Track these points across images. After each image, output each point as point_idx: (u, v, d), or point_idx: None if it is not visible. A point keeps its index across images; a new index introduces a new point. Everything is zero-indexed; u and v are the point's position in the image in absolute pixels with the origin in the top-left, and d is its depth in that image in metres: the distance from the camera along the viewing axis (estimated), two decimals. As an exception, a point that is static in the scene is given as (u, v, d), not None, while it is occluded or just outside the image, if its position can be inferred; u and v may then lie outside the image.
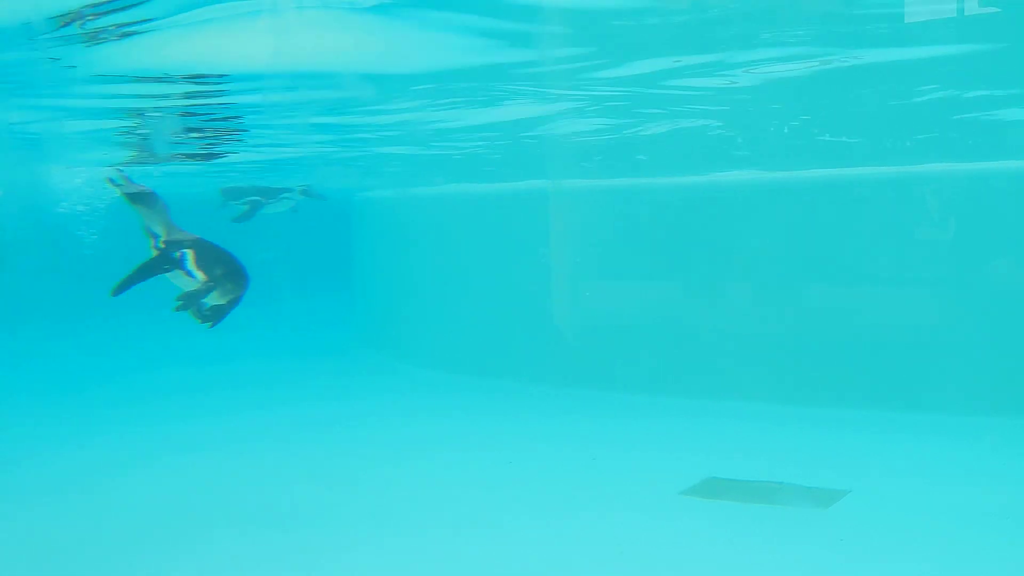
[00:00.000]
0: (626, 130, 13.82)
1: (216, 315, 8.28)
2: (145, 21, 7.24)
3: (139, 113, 11.79)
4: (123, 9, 6.99)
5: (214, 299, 8.24)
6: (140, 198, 9.01)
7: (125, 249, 8.87)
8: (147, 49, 8.07)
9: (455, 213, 16.75)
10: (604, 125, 13.44)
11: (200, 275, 8.29)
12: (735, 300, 13.80)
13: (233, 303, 8.30)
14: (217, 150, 16.10)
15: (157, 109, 11.38)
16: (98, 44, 7.92)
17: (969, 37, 8.36)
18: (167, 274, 8.44)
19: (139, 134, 13.45)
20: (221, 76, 9.70)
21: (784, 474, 9.40)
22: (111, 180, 10.02)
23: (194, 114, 11.93)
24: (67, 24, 7.32)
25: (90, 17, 7.13)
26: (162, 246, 8.53)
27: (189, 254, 8.37)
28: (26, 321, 22.68)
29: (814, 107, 11.92)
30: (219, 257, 8.37)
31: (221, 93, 10.52)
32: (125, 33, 7.59)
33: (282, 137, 14.80)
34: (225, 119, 12.47)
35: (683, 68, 9.52)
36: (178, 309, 8.32)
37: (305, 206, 19.32)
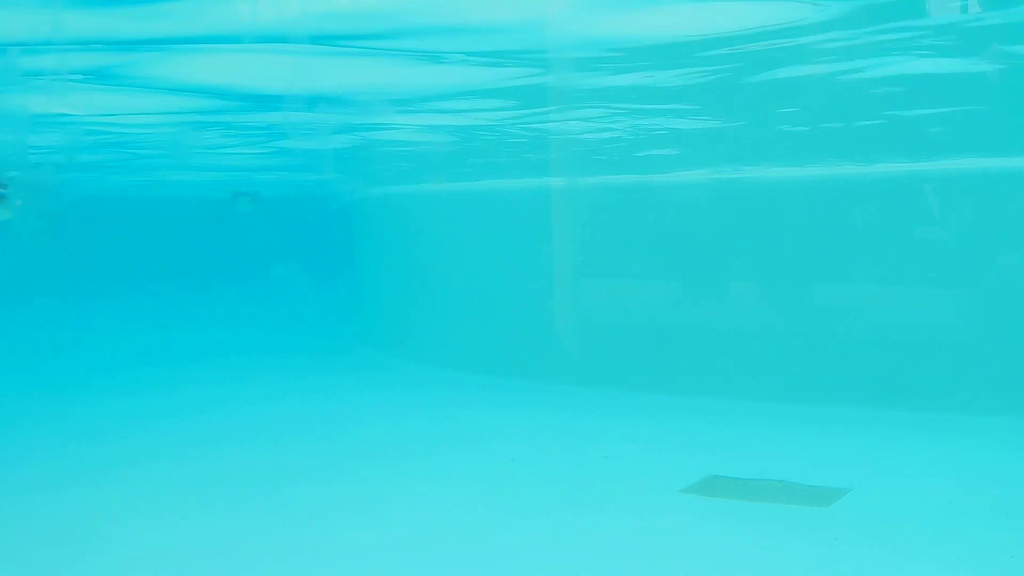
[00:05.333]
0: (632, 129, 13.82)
1: None
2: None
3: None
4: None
5: None
6: None
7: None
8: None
9: (458, 210, 16.75)
10: (607, 125, 13.44)
11: None
12: (737, 299, 13.80)
13: None
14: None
15: None
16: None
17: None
18: None
19: None
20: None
21: (785, 472, 9.39)
22: None
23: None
24: None
25: None
26: None
27: None
28: (28, 314, 22.74)
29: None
30: None
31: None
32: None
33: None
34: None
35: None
36: None
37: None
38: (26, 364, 17.10)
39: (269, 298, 26.49)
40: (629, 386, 13.75)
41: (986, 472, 9.43)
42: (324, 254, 26.85)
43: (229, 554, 7.30)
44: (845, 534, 7.59)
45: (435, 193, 17.76)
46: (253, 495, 8.81)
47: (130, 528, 7.90)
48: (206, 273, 29.41)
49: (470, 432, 11.47)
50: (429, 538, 7.62)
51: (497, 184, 17.47)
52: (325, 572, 6.97)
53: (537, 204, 15.42)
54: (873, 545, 7.34)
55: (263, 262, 29.07)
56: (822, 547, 7.31)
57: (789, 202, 13.41)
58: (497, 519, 8.09)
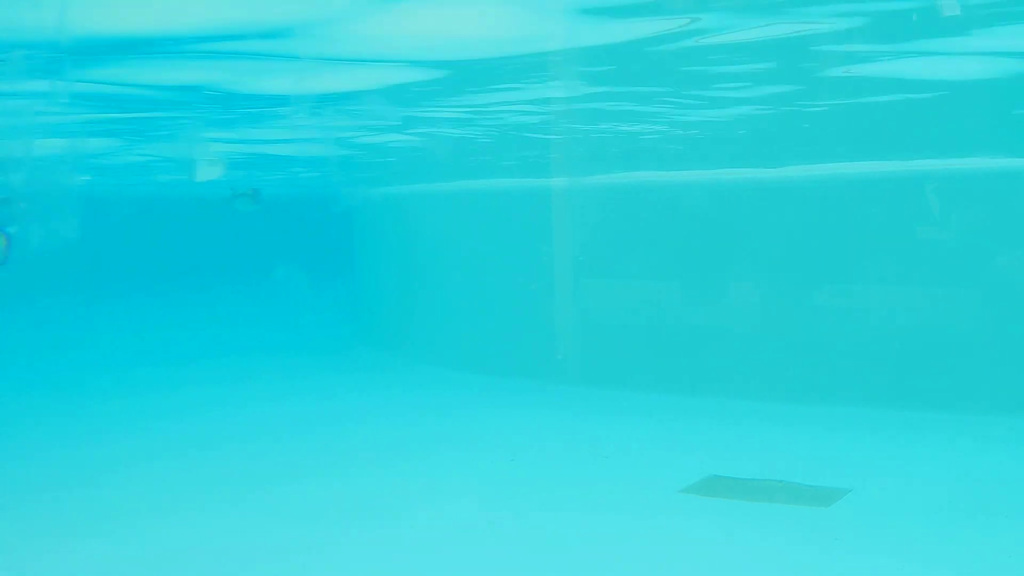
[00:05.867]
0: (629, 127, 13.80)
1: None
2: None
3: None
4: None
5: None
6: None
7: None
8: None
9: (458, 210, 16.76)
10: (608, 123, 13.42)
11: None
12: (738, 299, 13.80)
13: None
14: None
15: None
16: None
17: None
18: None
19: None
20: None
21: (785, 472, 9.40)
22: None
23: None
24: None
25: None
26: None
27: None
28: (27, 313, 22.74)
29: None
30: None
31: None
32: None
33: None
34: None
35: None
36: None
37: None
38: (28, 364, 17.11)
39: (269, 298, 26.50)
40: (629, 386, 13.76)
41: (986, 472, 9.43)
42: (324, 254, 26.87)
43: (230, 554, 7.30)
44: (845, 534, 7.60)
45: (435, 193, 17.77)
46: (254, 495, 8.81)
47: (132, 528, 7.90)
48: (206, 273, 29.42)
49: (470, 432, 11.48)
50: (429, 537, 7.62)
51: (498, 184, 17.48)
52: (326, 571, 6.98)
53: (537, 204, 15.43)
54: (873, 545, 7.35)
55: (263, 262, 29.10)
56: (822, 547, 7.32)
57: (789, 202, 13.41)
58: (497, 519, 8.09)
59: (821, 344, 12.97)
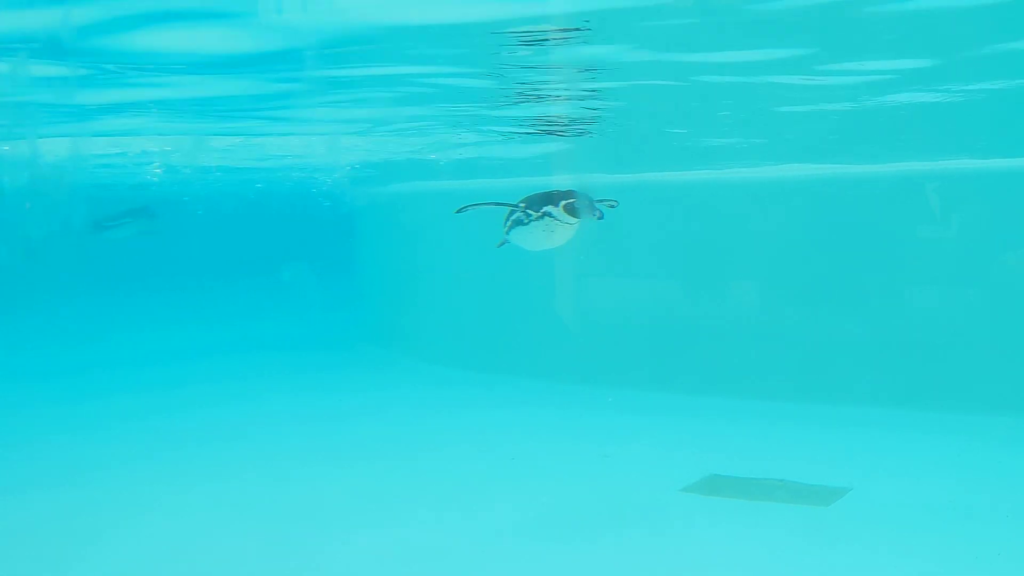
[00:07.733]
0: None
1: None
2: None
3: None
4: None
5: None
6: None
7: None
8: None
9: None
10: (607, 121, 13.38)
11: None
12: (738, 298, 13.83)
13: None
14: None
15: None
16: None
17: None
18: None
19: None
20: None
21: (785, 471, 9.43)
22: None
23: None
24: None
25: None
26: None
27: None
28: (40, 310, 22.79)
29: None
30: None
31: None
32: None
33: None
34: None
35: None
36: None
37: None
38: (33, 363, 17.16)
39: (274, 295, 26.55)
40: (630, 384, 13.78)
41: (987, 472, 9.46)
42: (329, 251, 26.91)
43: (232, 550, 7.34)
44: (845, 534, 7.63)
45: (439, 191, 17.81)
46: (255, 490, 8.85)
47: (131, 525, 7.94)
48: (211, 269, 29.46)
49: (471, 430, 11.51)
50: (428, 535, 7.65)
51: (500, 183, 17.49)
52: (327, 569, 7.02)
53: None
54: (873, 545, 7.38)
55: (269, 260, 29.14)
56: (822, 547, 7.35)
57: (791, 201, 13.44)
58: (496, 517, 8.13)
59: (821, 343, 12.99)
